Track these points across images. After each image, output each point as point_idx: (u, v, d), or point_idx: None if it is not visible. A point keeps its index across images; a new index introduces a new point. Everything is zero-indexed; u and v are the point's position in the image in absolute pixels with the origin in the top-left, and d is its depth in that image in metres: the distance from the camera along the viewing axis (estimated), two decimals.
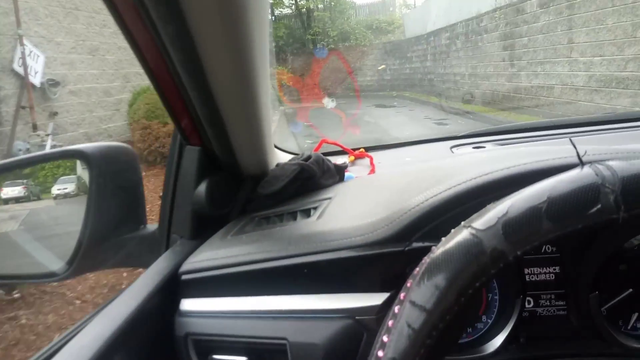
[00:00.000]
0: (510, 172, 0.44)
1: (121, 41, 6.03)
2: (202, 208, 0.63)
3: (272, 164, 0.72)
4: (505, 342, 0.47)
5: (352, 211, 0.56)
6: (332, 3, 15.42)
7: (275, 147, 0.82)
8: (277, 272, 0.51)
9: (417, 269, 0.30)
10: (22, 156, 0.75)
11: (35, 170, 0.84)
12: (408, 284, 0.30)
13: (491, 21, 7.76)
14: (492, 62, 7.72)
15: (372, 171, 0.85)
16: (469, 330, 0.50)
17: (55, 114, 5.11)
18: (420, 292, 0.29)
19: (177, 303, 0.55)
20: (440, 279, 0.29)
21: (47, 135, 4.61)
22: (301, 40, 15.87)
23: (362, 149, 0.95)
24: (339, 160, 0.83)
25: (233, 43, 0.44)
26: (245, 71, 0.48)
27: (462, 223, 0.31)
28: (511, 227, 0.29)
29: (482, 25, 8.24)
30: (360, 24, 15.69)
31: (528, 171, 0.44)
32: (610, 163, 0.30)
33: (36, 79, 4.72)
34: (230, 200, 0.68)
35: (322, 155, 0.74)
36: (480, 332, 0.50)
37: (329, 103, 7.43)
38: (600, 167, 0.30)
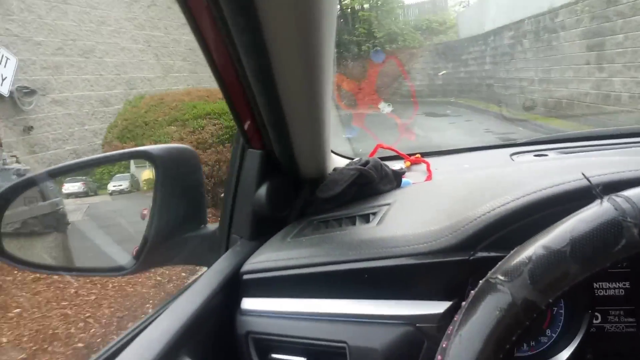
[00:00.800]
0: (581, 184, 0.46)
1: (125, 41, 5.68)
2: (262, 210, 0.69)
3: (330, 169, 0.78)
4: (571, 358, 0.48)
5: (413, 218, 0.60)
6: (379, 2, 15.81)
7: (332, 151, 0.87)
8: (337, 276, 0.54)
9: (450, 327, 0.32)
10: (92, 157, 0.85)
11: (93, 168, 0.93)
12: (443, 344, 0.32)
13: (571, 15, 7.00)
14: (572, 65, 6.90)
15: (429, 177, 0.89)
16: (532, 343, 0.52)
17: (30, 128, 4.49)
18: (456, 351, 0.30)
19: (239, 302, 0.60)
20: (475, 339, 0.30)
21: (12, 155, 4.04)
22: (345, 43, 16.05)
23: (418, 155, 0.99)
24: (394, 165, 0.87)
25: (305, 51, 0.48)
26: (314, 77, 0.53)
27: (488, 274, 0.33)
28: (538, 275, 0.31)
29: (558, 21, 7.53)
30: (408, 24, 15.94)
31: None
32: (628, 194, 0.32)
33: (3, 87, 4.17)
34: (290, 203, 0.74)
35: (380, 160, 0.79)
36: (544, 347, 0.52)
37: (385, 108, 7.66)
38: (618, 200, 0.32)
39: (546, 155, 0.92)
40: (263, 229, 0.71)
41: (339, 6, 16.89)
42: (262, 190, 0.70)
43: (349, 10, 16.40)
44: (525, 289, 0.30)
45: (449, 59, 13.34)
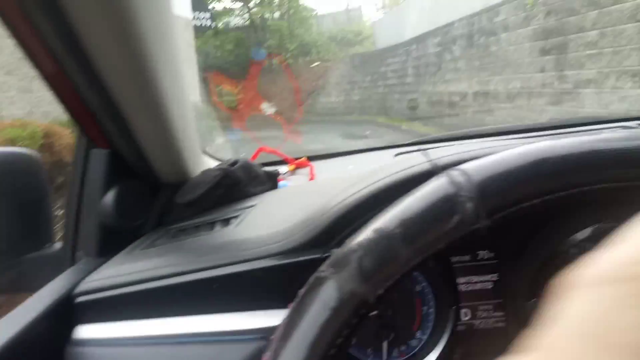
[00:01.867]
0: (429, 166, 0.50)
1: None
2: (110, 220, 0.65)
3: (197, 172, 0.77)
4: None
5: (274, 218, 0.60)
6: (291, 11, 16.09)
7: (207, 154, 0.89)
8: (184, 288, 0.52)
9: (275, 334, 0.31)
10: None
11: None
12: (270, 350, 0.30)
13: (517, 12, 6.15)
14: (519, 74, 6.13)
15: (311, 179, 0.93)
16: (402, 348, 0.53)
17: None
18: (285, 354, 0.29)
19: (71, 331, 0.55)
20: (300, 347, 0.29)
21: None
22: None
23: (304, 158, 1.03)
24: (280, 169, 0.91)
25: (125, 42, 0.49)
26: (143, 71, 0.53)
27: (321, 267, 0.32)
28: (367, 263, 0.30)
29: (499, 21, 6.63)
30: (322, 35, 16.43)
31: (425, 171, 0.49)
32: (465, 167, 0.32)
33: None
34: (144, 210, 0.72)
35: (250, 161, 0.80)
36: (414, 351, 0.53)
37: (267, 108, 8.14)
38: (454, 173, 0.31)
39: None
40: (113, 243, 0.67)
41: (247, 14, 16.80)
42: (109, 197, 0.66)
43: (258, 19, 16.78)
44: (353, 281, 0.29)
45: (366, 71, 13.75)
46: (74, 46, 0.49)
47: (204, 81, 7.68)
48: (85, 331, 0.55)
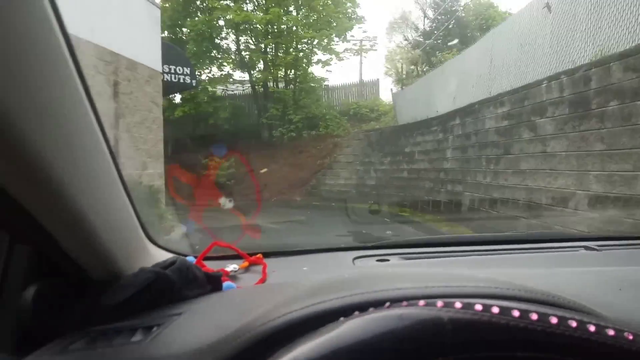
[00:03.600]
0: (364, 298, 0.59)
1: None
2: (27, 320, 0.72)
3: (136, 266, 0.85)
4: None
5: (198, 330, 0.67)
6: (298, 80, 16.97)
7: (159, 245, 0.99)
8: None
9: None
10: None
11: None
12: None
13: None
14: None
15: (262, 280, 1.02)
16: None
17: None
18: None
19: None
20: None
21: None
22: (253, 125, 17.13)
23: (259, 255, 1.14)
24: (231, 266, 1.04)
25: None
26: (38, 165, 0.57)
27: None
28: None
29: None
30: (332, 109, 17.20)
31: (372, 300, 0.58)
32: None
33: None
34: (67, 310, 0.78)
35: (189, 262, 0.89)
36: None
37: (226, 203, 8.82)
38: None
39: (388, 260, 1.13)
40: (33, 343, 0.73)
41: (248, 81, 17.82)
42: (28, 296, 0.74)
43: (260, 87, 17.58)
44: None
45: (385, 150, 13.70)
46: None
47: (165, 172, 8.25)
48: None
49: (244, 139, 15.26)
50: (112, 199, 0.75)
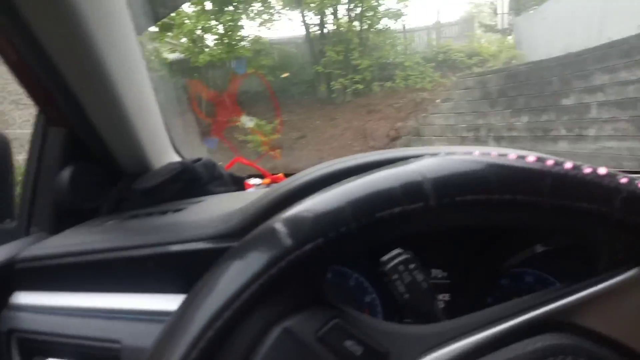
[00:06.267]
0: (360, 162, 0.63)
1: None
2: (63, 198, 0.89)
3: (162, 164, 1.01)
4: None
5: (222, 208, 0.78)
6: (366, 15, 13.42)
7: (179, 154, 1.13)
8: (117, 264, 0.70)
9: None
10: None
11: None
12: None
13: None
14: None
15: None
16: None
17: None
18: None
19: (8, 296, 0.76)
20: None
21: None
22: (305, 76, 13.81)
23: (281, 174, 1.23)
24: (253, 180, 1.16)
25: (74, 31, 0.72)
26: (94, 62, 0.76)
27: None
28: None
29: None
30: (411, 54, 13.57)
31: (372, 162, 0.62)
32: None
33: None
34: (100, 194, 0.95)
35: (214, 161, 1.04)
36: None
37: (247, 122, 9.32)
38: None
39: None
40: (68, 222, 0.89)
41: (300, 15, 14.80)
42: (65, 175, 0.88)
43: (316, 28, 14.26)
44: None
45: (518, 103, 8.39)
46: (28, 35, 0.72)
47: (184, 88, 8.55)
48: (22, 298, 0.76)
49: (293, 95, 12.88)
50: (146, 104, 0.91)
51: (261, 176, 1.22)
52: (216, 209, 0.79)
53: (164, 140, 0.99)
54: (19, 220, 0.92)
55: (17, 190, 0.97)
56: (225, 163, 1.15)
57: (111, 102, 0.82)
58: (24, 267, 0.75)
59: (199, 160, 0.98)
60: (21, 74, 0.82)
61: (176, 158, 1.09)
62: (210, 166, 0.99)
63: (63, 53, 0.76)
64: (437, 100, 10.78)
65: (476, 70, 12.18)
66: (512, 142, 7.98)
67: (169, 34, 10.66)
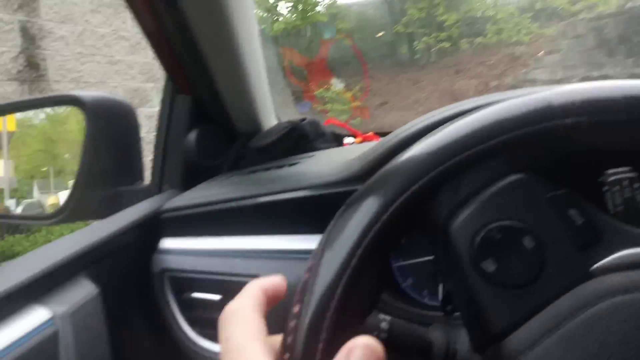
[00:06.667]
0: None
1: None
2: (192, 157, 1.02)
3: (270, 125, 1.14)
4: None
5: (337, 160, 0.88)
6: None
7: (277, 118, 1.29)
8: (250, 210, 0.79)
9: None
10: (13, 101, 1.21)
11: None
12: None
13: None
14: None
15: None
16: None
17: None
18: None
19: (157, 241, 0.88)
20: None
21: None
22: (386, 38, 12.42)
23: (371, 133, 1.32)
24: (347, 139, 1.26)
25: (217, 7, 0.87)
26: (227, 34, 0.89)
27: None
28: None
29: None
30: (503, 6, 11.57)
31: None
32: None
33: None
34: (222, 152, 1.08)
35: (318, 119, 1.14)
36: None
37: (336, 84, 9.43)
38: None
39: None
40: (195, 179, 1.02)
41: None
42: (192, 137, 1.02)
43: None
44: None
45: None
46: (171, 5, 0.86)
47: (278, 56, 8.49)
48: (168, 243, 0.88)
49: (373, 59, 11.60)
50: (259, 68, 1.01)
51: (353, 136, 1.30)
52: (330, 160, 0.91)
53: (269, 103, 1.12)
54: (152, 180, 1.05)
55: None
56: None
57: (234, 69, 0.96)
58: (168, 217, 0.87)
59: (304, 119, 1.09)
60: (158, 43, 0.94)
61: (278, 120, 1.25)
62: (315, 125, 1.09)
63: (200, 24, 0.88)
64: (540, 53, 9.59)
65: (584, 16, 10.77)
66: None
67: None
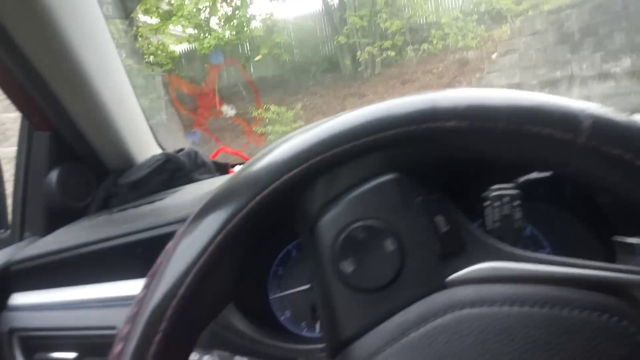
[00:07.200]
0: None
1: None
2: (53, 199, 0.94)
3: (145, 159, 1.09)
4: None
5: (206, 190, 0.88)
6: None
7: (162, 148, 1.23)
8: (109, 254, 0.74)
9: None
10: None
11: None
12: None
13: None
14: None
15: None
16: None
17: None
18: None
19: (6, 298, 0.81)
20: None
21: None
22: (326, 51, 12.12)
23: None
24: (238, 168, 1.30)
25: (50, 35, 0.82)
26: (70, 63, 0.83)
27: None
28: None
29: None
30: (444, 11, 11.37)
31: None
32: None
33: None
34: (88, 192, 1.00)
35: (196, 149, 1.10)
36: None
37: (228, 111, 9.09)
38: None
39: None
40: (59, 223, 0.95)
41: None
42: (52, 176, 0.94)
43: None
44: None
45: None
46: (8, 43, 0.79)
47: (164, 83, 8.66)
48: (19, 298, 0.81)
49: (314, 74, 11.18)
50: (125, 101, 0.95)
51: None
52: (198, 193, 0.86)
53: (146, 135, 1.06)
54: (12, 228, 0.98)
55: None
56: (210, 154, 1.23)
57: (91, 101, 0.89)
58: (19, 269, 0.81)
59: (181, 150, 1.06)
60: (3, 80, 0.89)
61: (159, 152, 1.22)
62: (193, 155, 1.06)
63: (42, 58, 0.83)
64: (493, 55, 9.09)
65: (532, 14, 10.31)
66: (606, 97, 6.04)
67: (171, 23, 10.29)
